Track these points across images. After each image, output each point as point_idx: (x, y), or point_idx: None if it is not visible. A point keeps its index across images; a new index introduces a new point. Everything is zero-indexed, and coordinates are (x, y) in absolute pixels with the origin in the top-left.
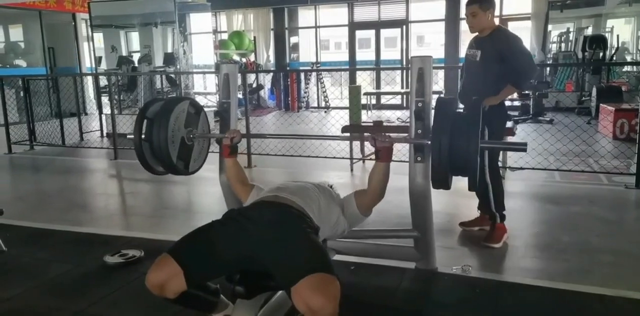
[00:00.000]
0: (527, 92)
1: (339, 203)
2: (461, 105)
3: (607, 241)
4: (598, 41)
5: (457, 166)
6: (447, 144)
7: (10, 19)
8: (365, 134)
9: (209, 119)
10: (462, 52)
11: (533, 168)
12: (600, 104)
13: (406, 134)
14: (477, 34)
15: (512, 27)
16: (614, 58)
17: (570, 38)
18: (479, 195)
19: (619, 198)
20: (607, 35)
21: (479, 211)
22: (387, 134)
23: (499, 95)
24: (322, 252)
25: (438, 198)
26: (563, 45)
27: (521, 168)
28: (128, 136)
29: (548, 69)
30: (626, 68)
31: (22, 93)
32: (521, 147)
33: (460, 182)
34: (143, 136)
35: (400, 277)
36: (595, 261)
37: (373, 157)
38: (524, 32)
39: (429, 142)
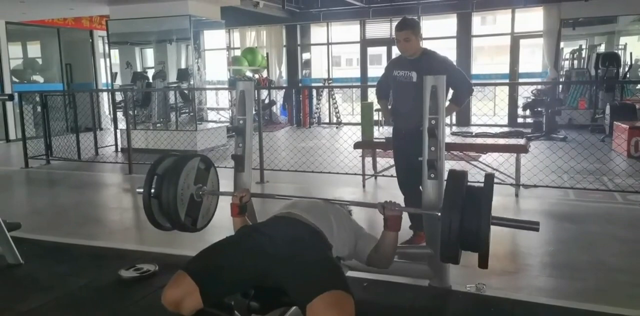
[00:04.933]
0: (539, 109)
1: (354, 230)
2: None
3: (624, 260)
4: (611, 58)
5: (467, 242)
6: (458, 220)
7: (29, 35)
8: (375, 203)
9: (218, 175)
10: (474, 69)
11: (547, 186)
12: (614, 122)
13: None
14: (399, 56)
15: (524, 44)
16: (628, 75)
17: (583, 55)
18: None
19: (635, 217)
20: (620, 52)
21: (414, 229)
22: (396, 203)
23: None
24: (337, 270)
25: None
26: (576, 62)
27: (535, 186)
28: (137, 190)
29: (561, 86)
30: None
31: (39, 109)
32: (533, 227)
33: None
34: (152, 191)
35: (413, 295)
36: (613, 281)
37: (385, 173)
38: (537, 50)
39: (439, 214)
